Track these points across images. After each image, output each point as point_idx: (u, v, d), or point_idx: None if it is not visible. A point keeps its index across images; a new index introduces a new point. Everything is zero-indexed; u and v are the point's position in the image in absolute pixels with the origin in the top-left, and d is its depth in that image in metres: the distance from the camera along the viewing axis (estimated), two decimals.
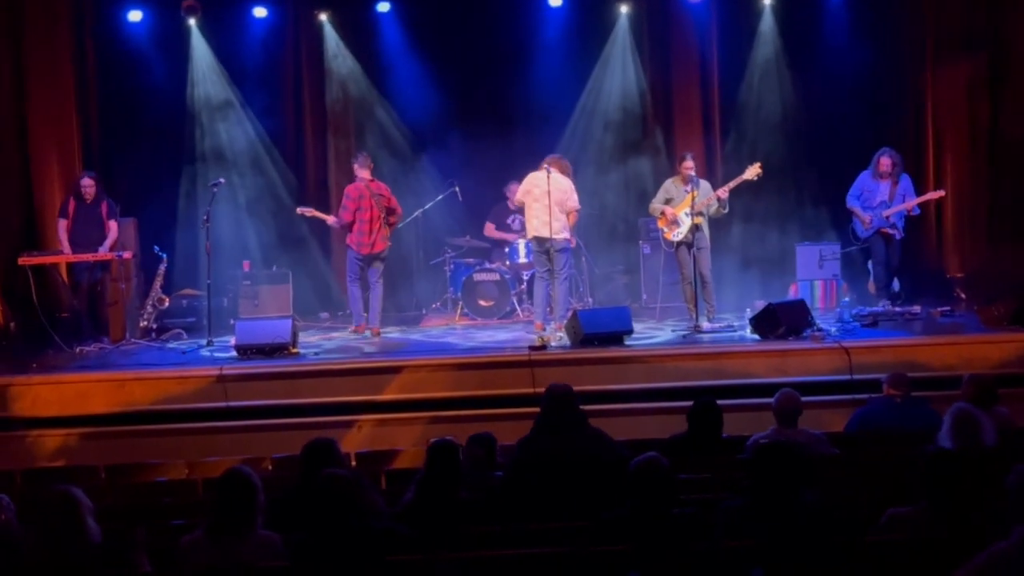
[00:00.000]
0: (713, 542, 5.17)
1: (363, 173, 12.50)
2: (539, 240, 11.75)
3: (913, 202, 12.41)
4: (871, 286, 12.91)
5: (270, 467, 8.56)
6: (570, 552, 5.12)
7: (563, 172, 11.83)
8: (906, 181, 12.52)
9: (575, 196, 11.86)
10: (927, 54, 14.04)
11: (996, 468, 6.51)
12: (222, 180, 12.91)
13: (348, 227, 12.50)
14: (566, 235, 11.81)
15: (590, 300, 13.66)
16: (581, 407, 7.17)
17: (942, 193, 12.68)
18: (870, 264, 12.89)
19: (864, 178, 12.57)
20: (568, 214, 11.81)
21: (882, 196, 12.44)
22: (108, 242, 12.49)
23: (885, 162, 12.40)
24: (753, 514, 5.36)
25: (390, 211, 12.60)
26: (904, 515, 5.21)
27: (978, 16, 13.81)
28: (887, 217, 12.39)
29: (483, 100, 14.66)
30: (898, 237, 12.53)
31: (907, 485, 6.23)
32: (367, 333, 12.52)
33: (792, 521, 5.28)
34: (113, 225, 12.60)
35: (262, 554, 5.36)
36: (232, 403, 10.57)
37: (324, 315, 14.14)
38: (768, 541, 5.14)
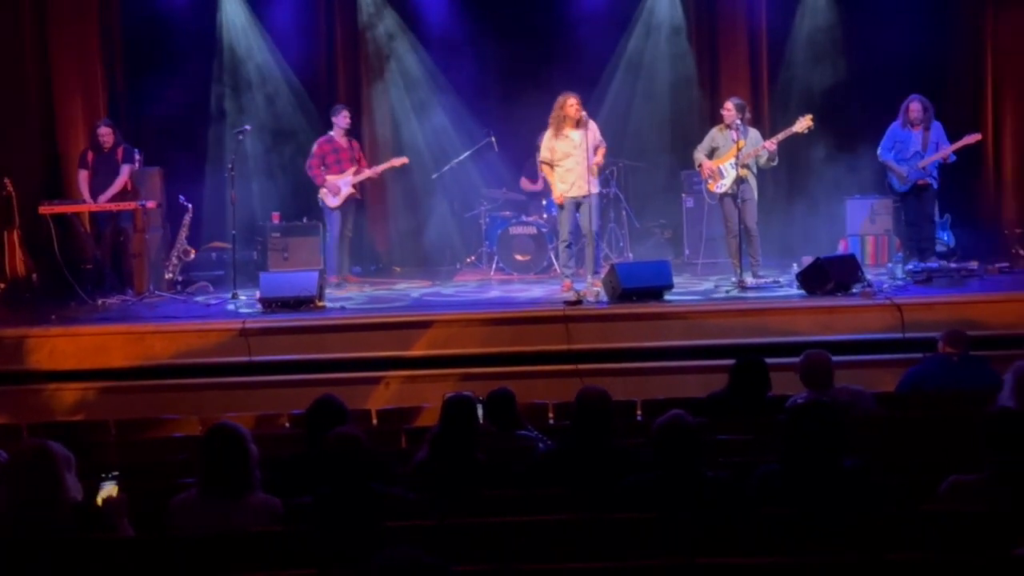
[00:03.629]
0: (747, 509, 4.70)
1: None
2: None
3: (949, 149, 11.58)
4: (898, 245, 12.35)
5: (287, 424, 8.19)
6: (590, 519, 4.66)
7: None
8: (938, 128, 11.67)
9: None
10: None
11: None
12: (248, 127, 12.58)
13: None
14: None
15: (630, 255, 13.22)
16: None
17: (978, 136, 11.88)
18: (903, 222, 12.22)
19: (895, 129, 11.76)
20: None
21: (915, 146, 11.62)
22: (112, 189, 12.09)
23: (915, 108, 11.60)
24: (790, 480, 4.88)
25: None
26: (968, 484, 4.69)
27: None
28: (923, 168, 11.69)
29: (522, 49, 14.19)
30: (935, 187, 11.80)
31: (966, 450, 5.78)
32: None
33: (832, 488, 4.80)
34: (125, 169, 12.19)
35: (260, 518, 4.95)
36: (255, 358, 10.20)
37: (356, 269, 13.70)
38: (805, 509, 4.67)
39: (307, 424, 5.93)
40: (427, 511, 4.88)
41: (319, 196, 12.58)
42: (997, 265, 11.67)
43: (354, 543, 4.53)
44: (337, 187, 12.43)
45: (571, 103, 11.14)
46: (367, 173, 12.61)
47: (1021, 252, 12.41)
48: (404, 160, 12.78)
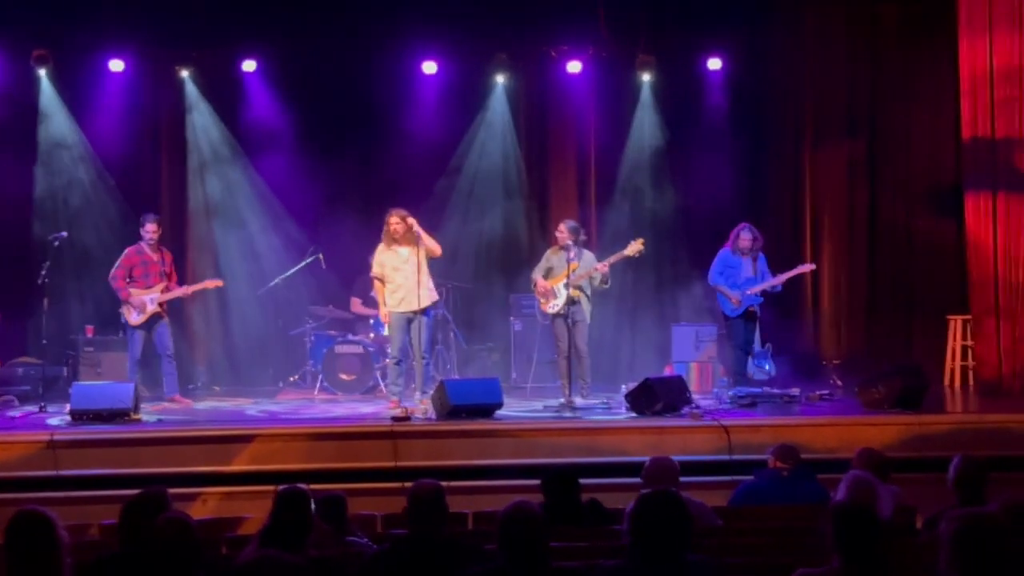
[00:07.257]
0: None
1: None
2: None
3: (782, 277, 11.94)
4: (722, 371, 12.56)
5: (98, 534, 7.68)
6: None
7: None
8: (761, 257, 12.07)
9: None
10: (806, 135, 14.05)
11: (896, 541, 6.05)
12: (64, 234, 12.05)
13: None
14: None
15: (456, 377, 13.01)
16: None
17: (812, 266, 12.31)
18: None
19: (725, 254, 12.05)
20: None
21: (746, 272, 11.93)
22: None
23: (745, 237, 11.91)
24: (636, 572, 4.72)
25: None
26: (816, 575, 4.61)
27: (858, 100, 13.89)
28: (756, 293, 11.94)
29: (352, 166, 14.17)
30: (759, 314, 12.11)
31: (805, 553, 5.73)
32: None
33: None
34: None
35: None
36: (63, 472, 9.63)
37: None
38: None
39: (124, 518, 5.49)
40: None
41: (121, 311, 12.01)
42: (818, 392, 11.90)
43: None
44: (143, 303, 11.83)
45: (391, 220, 11.11)
46: (177, 292, 11.99)
47: (838, 382, 12.71)
48: (219, 283, 12.35)
